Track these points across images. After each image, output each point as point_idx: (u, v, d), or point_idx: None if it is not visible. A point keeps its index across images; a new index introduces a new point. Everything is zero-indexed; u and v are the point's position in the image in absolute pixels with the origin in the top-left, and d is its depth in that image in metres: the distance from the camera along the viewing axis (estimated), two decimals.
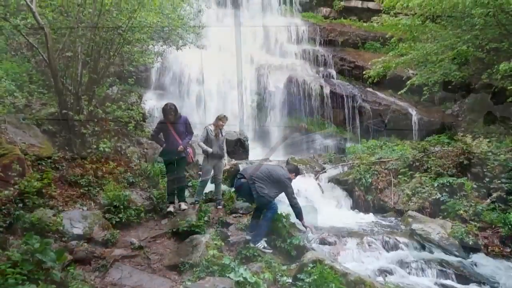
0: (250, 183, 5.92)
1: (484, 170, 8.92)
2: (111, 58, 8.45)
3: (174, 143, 7.19)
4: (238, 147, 12.60)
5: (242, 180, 6.11)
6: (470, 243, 6.97)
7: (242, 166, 10.68)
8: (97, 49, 8.46)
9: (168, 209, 7.23)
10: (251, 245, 5.91)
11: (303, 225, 6.24)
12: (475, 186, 8.59)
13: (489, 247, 7.00)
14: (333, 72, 18.19)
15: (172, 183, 7.42)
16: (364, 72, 15.39)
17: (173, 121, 7.21)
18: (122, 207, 6.53)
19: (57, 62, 7.65)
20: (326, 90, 16.55)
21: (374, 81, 14.48)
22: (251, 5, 20.12)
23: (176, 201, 7.47)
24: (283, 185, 5.97)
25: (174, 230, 6.35)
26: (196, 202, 7.59)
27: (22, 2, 7.33)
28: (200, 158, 8.77)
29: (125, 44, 9.18)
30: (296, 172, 6.43)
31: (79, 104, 7.69)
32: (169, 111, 7.15)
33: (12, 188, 5.60)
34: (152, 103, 13.09)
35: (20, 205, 5.56)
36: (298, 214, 6.09)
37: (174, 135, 7.21)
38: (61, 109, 7.51)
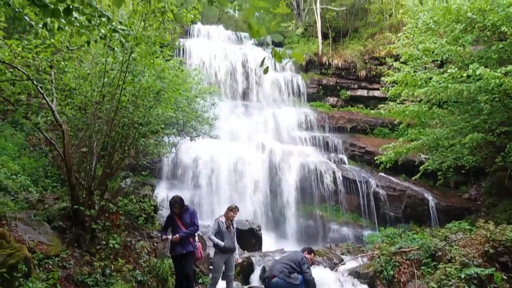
0: (282, 277, 6.63)
1: None
2: (126, 152, 8.60)
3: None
4: (251, 237, 12.18)
5: (274, 279, 6.70)
6: None
7: (255, 258, 10.25)
8: (113, 144, 8.68)
9: None
10: None
11: None
12: (505, 277, 7.99)
13: None
14: (344, 158, 18.26)
15: (180, 281, 7.06)
16: (375, 158, 15.39)
17: (179, 213, 7.10)
18: None
19: (72, 157, 7.80)
20: (339, 176, 16.46)
21: (387, 166, 14.42)
22: (261, 96, 21.01)
23: None
24: (301, 262, 6.81)
25: None
26: None
27: (44, 101, 7.70)
28: (211, 252, 8.47)
29: (140, 138, 9.44)
30: (309, 250, 7.41)
31: (91, 198, 7.67)
32: (174, 203, 7.09)
33: None
34: (164, 194, 13.06)
35: None
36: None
37: (181, 227, 7.03)
38: (73, 204, 7.47)
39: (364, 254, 11.06)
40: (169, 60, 10.61)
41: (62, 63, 8.21)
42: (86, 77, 8.48)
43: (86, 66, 8.73)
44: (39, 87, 7.35)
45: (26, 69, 7.20)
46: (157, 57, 8.81)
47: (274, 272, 6.77)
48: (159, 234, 8.06)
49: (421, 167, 14.00)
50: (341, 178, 16.43)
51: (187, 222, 7.10)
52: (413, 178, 14.79)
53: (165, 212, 11.78)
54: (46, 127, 9.00)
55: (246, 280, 9.27)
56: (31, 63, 7.39)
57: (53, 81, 8.19)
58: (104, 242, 7.50)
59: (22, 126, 11.10)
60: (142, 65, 8.36)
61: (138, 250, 8.13)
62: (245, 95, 20.99)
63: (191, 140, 12.95)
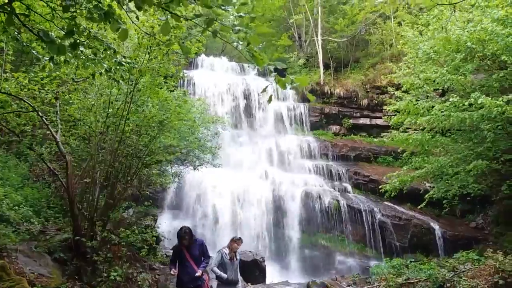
0: None
1: None
2: (129, 182, 8.59)
3: (189, 269, 6.60)
4: (254, 269, 11.93)
5: None
6: None
7: None
8: (116, 174, 8.68)
9: None
10: None
11: None
12: None
13: None
14: (349, 186, 18.11)
15: None
16: (380, 186, 15.27)
17: (187, 245, 6.69)
18: None
19: (75, 188, 7.80)
20: (343, 205, 16.28)
21: (392, 195, 14.28)
22: (264, 125, 21.13)
23: None
24: None
25: None
26: None
27: (48, 132, 7.77)
28: (214, 284, 8.28)
29: (143, 168, 9.45)
30: None
31: (93, 229, 7.62)
32: (184, 235, 6.65)
33: None
34: (166, 224, 12.92)
35: None
36: None
37: (189, 260, 6.64)
38: (75, 235, 7.42)
39: (370, 286, 10.81)
40: (173, 90, 10.77)
41: (67, 95, 8.35)
42: (91, 108, 8.60)
43: (91, 97, 8.86)
44: (44, 118, 7.44)
45: (32, 101, 7.31)
46: (161, 88, 8.95)
47: None
48: (162, 267, 7.85)
49: (426, 196, 13.85)
50: (345, 207, 16.24)
51: (195, 255, 6.72)
52: (419, 206, 14.61)
53: (167, 243, 11.65)
54: (50, 157, 9.05)
55: None
56: (37, 95, 7.51)
57: (58, 112, 8.31)
58: (106, 274, 7.37)
59: (26, 156, 11.16)
60: (146, 95, 8.48)
61: (139, 283, 7.99)
62: (248, 124, 21.12)
63: (194, 169, 12.94)
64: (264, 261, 12.32)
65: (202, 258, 6.84)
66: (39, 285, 6.33)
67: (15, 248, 6.89)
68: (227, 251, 7.48)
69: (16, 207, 8.08)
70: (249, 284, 10.77)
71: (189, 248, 6.71)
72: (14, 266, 6.42)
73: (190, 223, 14.37)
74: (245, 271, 10.47)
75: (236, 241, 7.58)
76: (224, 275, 7.18)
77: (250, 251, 12.44)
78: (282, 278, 12.90)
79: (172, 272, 6.69)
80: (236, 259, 7.53)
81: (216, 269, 7.28)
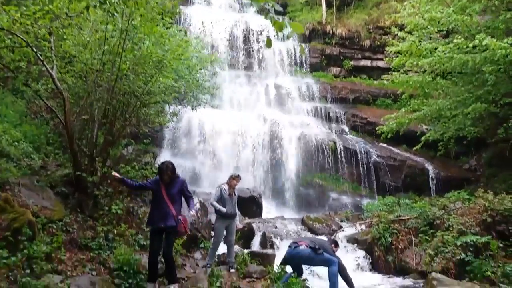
0: (312, 246, 6.92)
1: (510, 228, 8.50)
2: (127, 120, 8.61)
3: (163, 208, 6.11)
4: (252, 205, 12.40)
5: (302, 247, 7.00)
6: None
7: (255, 224, 10.47)
8: (114, 112, 8.67)
9: None
10: None
11: None
12: (501, 245, 8.14)
13: None
14: (346, 128, 18.25)
15: (154, 259, 6.12)
16: (377, 128, 15.39)
17: (168, 182, 6.21)
18: (132, 271, 6.32)
19: (73, 124, 7.83)
20: (340, 146, 16.49)
21: (388, 136, 14.41)
22: (263, 66, 20.73)
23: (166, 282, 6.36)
24: (330, 251, 7.10)
25: None
26: (208, 266, 7.32)
27: (44, 69, 7.64)
28: (213, 218, 8.63)
29: (141, 107, 9.41)
30: (336, 243, 7.77)
31: (93, 165, 7.75)
32: (166, 169, 6.14)
33: (19, 254, 5.49)
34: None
35: (28, 271, 5.41)
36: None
37: (165, 198, 6.11)
38: (75, 170, 7.56)
39: (363, 222, 11.25)
40: (169, 28, 10.44)
41: (61, 30, 8.08)
42: (86, 44, 8.38)
43: (85, 33, 8.60)
44: (38, 54, 7.27)
45: (25, 36, 7.09)
46: (157, 25, 8.68)
47: (305, 241, 7.15)
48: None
49: (422, 138, 14.00)
50: (342, 148, 16.46)
51: (172, 193, 6.20)
52: (414, 148, 14.82)
53: None
54: (47, 94, 8.97)
55: (246, 245, 9.47)
56: (30, 30, 7.27)
57: (53, 48, 8.10)
58: (107, 208, 7.63)
59: (23, 93, 11.07)
60: (142, 32, 8.24)
61: (140, 216, 8.29)
62: (246, 65, 20.71)
63: (192, 109, 12.91)
64: (261, 197, 12.76)
65: (181, 198, 6.39)
66: (43, 217, 6.56)
67: (17, 182, 7.04)
68: (226, 187, 7.72)
69: (16, 143, 8.15)
70: (246, 218, 11.20)
71: (167, 185, 6.22)
72: (17, 199, 6.61)
73: (189, 162, 14.65)
74: (242, 207, 10.84)
75: (235, 178, 7.81)
76: (223, 209, 7.48)
77: (247, 188, 12.82)
78: (278, 214, 13.40)
79: (114, 173, 6.44)
80: (235, 194, 7.79)
81: (215, 203, 7.56)
